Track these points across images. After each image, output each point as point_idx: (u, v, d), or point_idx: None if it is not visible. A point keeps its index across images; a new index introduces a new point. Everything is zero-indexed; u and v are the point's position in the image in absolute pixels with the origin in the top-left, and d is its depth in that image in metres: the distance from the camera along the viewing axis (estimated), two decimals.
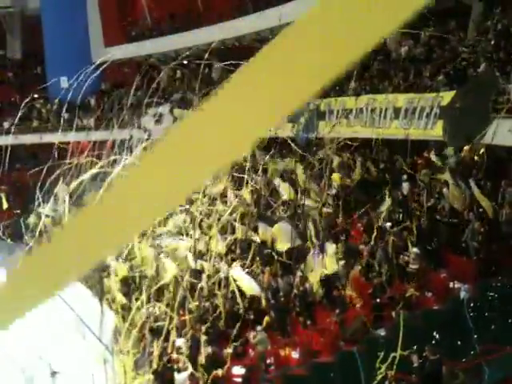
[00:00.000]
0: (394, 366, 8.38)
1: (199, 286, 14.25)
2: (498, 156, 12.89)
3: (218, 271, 14.71)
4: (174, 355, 12.50)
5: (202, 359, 12.03)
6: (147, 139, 23.79)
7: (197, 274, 14.57)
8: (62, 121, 28.20)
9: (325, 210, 15.37)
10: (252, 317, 12.67)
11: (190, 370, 11.72)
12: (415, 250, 11.59)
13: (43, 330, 17.70)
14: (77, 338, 17.46)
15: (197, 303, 13.76)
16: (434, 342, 8.69)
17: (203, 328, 12.94)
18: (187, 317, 13.68)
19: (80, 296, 18.04)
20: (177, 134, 0.78)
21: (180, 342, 12.87)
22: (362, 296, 11.61)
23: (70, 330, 18.17)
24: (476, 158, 13.40)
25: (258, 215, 15.86)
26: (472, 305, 9.02)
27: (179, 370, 11.75)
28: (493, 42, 14.38)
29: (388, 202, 13.38)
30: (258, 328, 11.86)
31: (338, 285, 12.16)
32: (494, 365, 8.02)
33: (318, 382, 9.37)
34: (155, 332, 13.75)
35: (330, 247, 13.39)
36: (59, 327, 18.34)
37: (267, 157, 17.96)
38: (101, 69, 25.38)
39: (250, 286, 13.49)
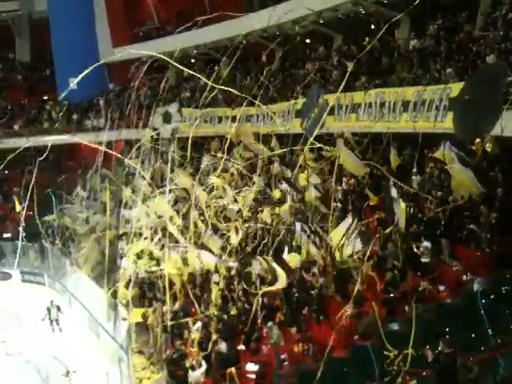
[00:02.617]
0: (408, 361, 8.36)
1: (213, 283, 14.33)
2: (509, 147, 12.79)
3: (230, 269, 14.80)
4: (188, 351, 12.57)
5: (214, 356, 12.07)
6: (156, 138, 23.93)
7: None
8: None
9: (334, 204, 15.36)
10: (264, 312, 12.66)
11: (205, 366, 11.76)
12: (426, 243, 11.54)
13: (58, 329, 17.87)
14: (91, 338, 17.60)
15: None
16: (447, 335, 8.64)
17: (217, 325, 12.99)
18: (202, 315, 13.76)
19: (94, 296, 18.18)
20: None
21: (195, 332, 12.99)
22: (374, 290, 11.58)
23: (84, 329, 18.31)
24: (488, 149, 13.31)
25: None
26: (485, 297, 8.96)
27: (193, 368, 11.78)
28: (502, 33, 14.27)
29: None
30: (270, 324, 11.86)
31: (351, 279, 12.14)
32: (509, 357, 7.97)
33: (332, 378, 9.35)
34: (170, 330, 13.82)
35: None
36: (74, 327, 18.49)
37: None
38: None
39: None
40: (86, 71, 10.96)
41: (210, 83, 14.00)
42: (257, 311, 12.65)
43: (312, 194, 15.23)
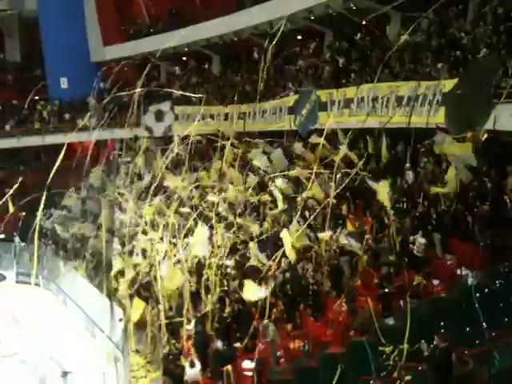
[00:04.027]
0: (404, 355, 8.38)
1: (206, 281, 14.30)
2: (503, 141, 12.82)
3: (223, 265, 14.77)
4: (183, 348, 12.56)
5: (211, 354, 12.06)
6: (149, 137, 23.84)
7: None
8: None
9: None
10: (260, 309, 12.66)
11: (199, 365, 11.75)
12: (420, 239, 11.57)
13: (54, 330, 17.82)
14: (87, 338, 17.55)
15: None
16: (442, 329, 8.67)
17: (213, 323, 12.98)
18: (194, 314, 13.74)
19: (89, 295, 18.13)
20: None
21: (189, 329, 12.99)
22: (369, 286, 11.61)
23: (80, 329, 18.26)
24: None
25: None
26: (480, 291, 9.00)
27: (192, 364, 11.75)
28: (492, 27, 14.30)
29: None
30: (265, 320, 11.85)
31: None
32: (504, 351, 8.01)
33: (329, 373, 9.37)
34: (166, 329, 13.79)
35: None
36: (70, 327, 18.43)
37: None
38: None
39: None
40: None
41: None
42: (253, 308, 12.66)
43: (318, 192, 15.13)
